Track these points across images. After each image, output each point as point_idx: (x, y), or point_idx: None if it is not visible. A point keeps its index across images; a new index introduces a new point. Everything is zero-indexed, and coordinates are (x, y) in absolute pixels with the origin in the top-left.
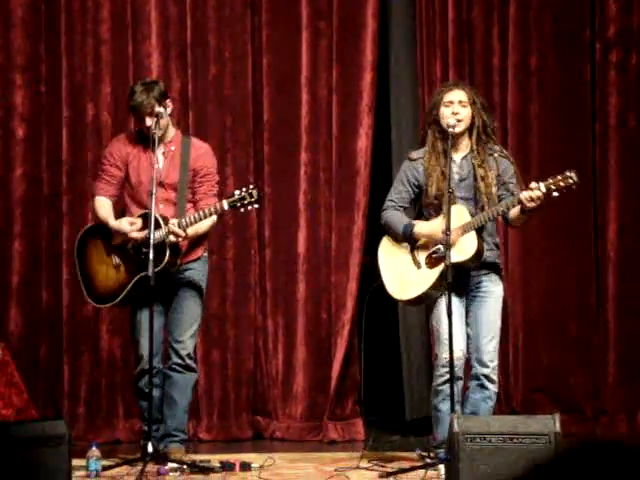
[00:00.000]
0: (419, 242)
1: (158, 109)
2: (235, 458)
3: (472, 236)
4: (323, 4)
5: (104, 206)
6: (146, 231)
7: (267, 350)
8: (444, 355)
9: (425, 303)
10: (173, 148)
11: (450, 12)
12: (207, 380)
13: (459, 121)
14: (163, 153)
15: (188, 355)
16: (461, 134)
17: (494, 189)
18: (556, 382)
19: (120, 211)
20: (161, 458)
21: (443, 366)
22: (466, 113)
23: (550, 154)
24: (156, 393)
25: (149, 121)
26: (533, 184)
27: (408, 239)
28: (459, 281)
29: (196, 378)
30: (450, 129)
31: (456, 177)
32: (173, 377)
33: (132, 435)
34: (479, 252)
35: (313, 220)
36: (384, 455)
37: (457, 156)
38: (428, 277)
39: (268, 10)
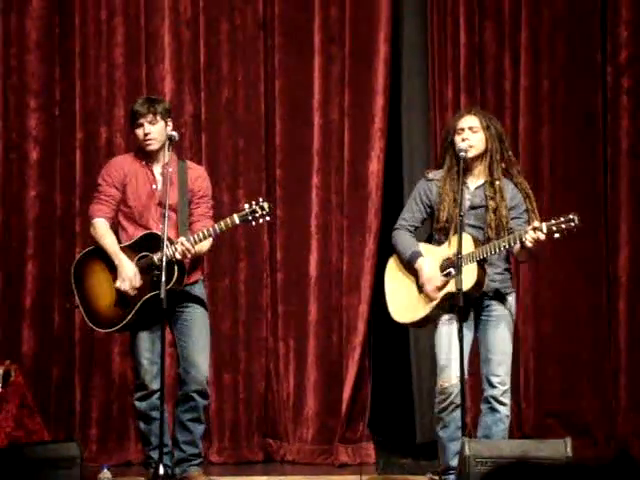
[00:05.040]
0: None
1: (162, 126)
2: None
3: (473, 267)
4: (335, 29)
5: (108, 232)
6: (130, 282)
7: (278, 373)
8: (440, 382)
9: (428, 326)
10: (170, 169)
11: (462, 36)
12: (218, 403)
13: (470, 147)
14: (161, 174)
15: (206, 380)
16: (476, 160)
17: (504, 220)
18: (568, 407)
19: (114, 233)
20: None
21: (440, 393)
22: (478, 138)
23: (561, 179)
24: (156, 415)
25: (147, 127)
26: (536, 223)
27: (411, 267)
28: (464, 307)
29: (209, 402)
30: (462, 153)
31: (467, 204)
32: (190, 404)
33: (144, 457)
34: (479, 282)
35: (325, 243)
36: (395, 478)
37: (472, 184)
38: (427, 303)
39: (281, 34)
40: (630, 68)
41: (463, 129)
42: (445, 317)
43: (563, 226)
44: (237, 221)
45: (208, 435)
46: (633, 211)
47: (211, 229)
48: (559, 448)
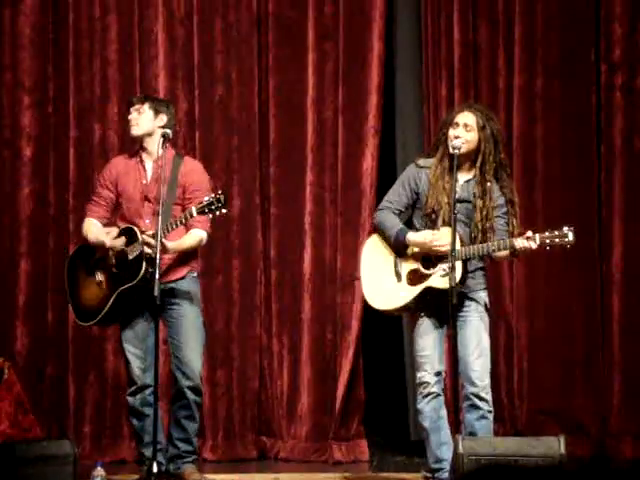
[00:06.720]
0: (407, 252)
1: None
2: (240, 478)
3: (458, 265)
4: (329, 26)
5: (91, 226)
6: (120, 240)
7: (272, 370)
8: (419, 375)
9: (399, 315)
10: (162, 165)
11: (456, 33)
12: (212, 400)
13: (462, 144)
14: (152, 168)
15: (199, 376)
16: (466, 157)
17: (491, 222)
18: (561, 404)
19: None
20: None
21: (419, 384)
22: (469, 137)
23: (555, 176)
24: (149, 412)
25: (133, 114)
26: (529, 233)
27: (399, 244)
28: (438, 303)
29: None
30: (455, 151)
31: (455, 197)
32: (183, 401)
33: (137, 454)
34: (462, 281)
35: (318, 240)
36: (389, 476)
37: (462, 177)
38: (405, 293)
39: (274, 32)
40: (623, 65)
41: (458, 124)
42: (422, 312)
43: (557, 240)
44: (194, 213)
45: (202, 432)
46: (627, 209)
47: (172, 222)
48: (553, 445)
